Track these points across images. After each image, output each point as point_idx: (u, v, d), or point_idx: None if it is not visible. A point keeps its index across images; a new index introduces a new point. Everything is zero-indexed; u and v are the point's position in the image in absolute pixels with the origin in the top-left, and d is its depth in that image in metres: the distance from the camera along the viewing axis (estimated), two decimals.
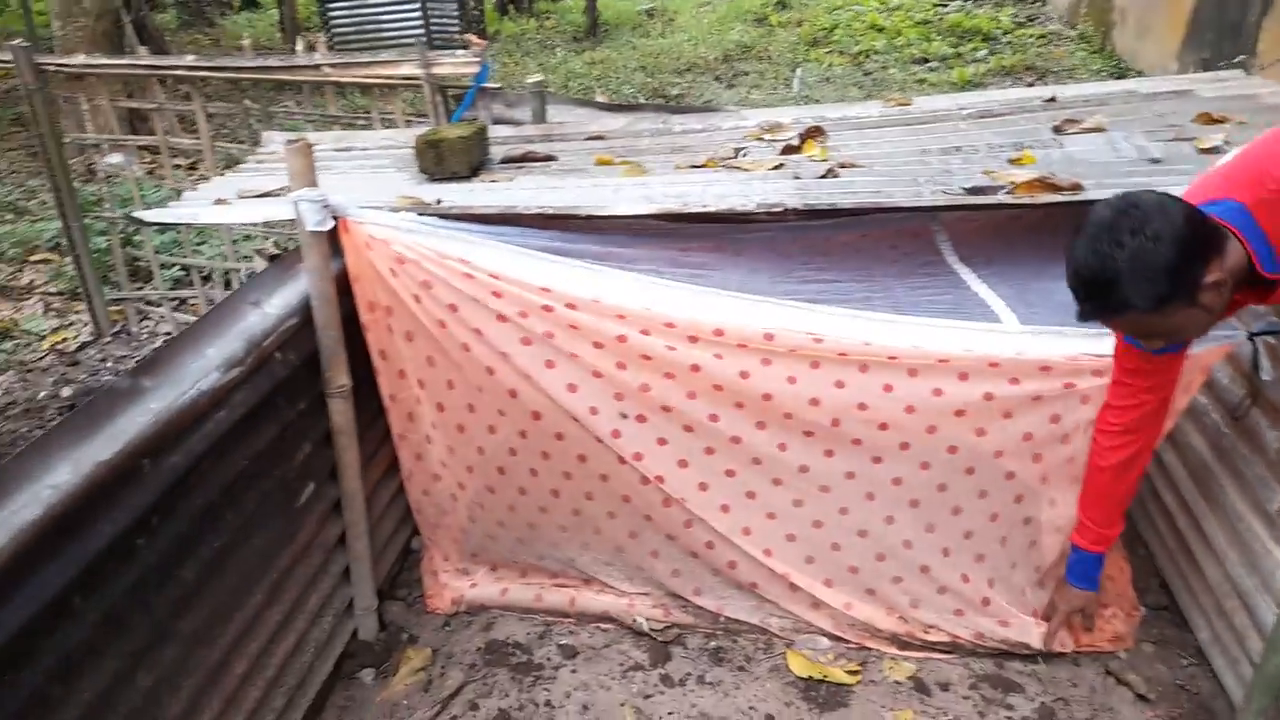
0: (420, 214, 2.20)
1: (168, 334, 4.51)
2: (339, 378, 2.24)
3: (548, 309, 2.15)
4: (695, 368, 2.17)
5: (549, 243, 2.33)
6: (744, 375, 2.17)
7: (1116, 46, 7.66)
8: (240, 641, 1.99)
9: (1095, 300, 1.54)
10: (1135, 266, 1.45)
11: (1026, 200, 2.20)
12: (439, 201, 2.27)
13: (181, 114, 4.32)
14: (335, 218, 2.09)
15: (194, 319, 4.45)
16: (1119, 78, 6.32)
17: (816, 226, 2.71)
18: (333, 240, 2.14)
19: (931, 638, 2.43)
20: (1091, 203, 2.21)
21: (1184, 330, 1.62)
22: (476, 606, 2.63)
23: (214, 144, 4.06)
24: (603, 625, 2.56)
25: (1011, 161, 2.47)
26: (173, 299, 4.56)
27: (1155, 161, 2.43)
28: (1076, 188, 2.21)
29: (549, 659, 2.45)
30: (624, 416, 2.26)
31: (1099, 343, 2.08)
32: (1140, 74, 6.40)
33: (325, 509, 2.35)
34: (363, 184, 2.61)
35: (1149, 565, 2.81)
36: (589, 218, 2.29)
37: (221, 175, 2.81)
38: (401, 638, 2.58)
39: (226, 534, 1.90)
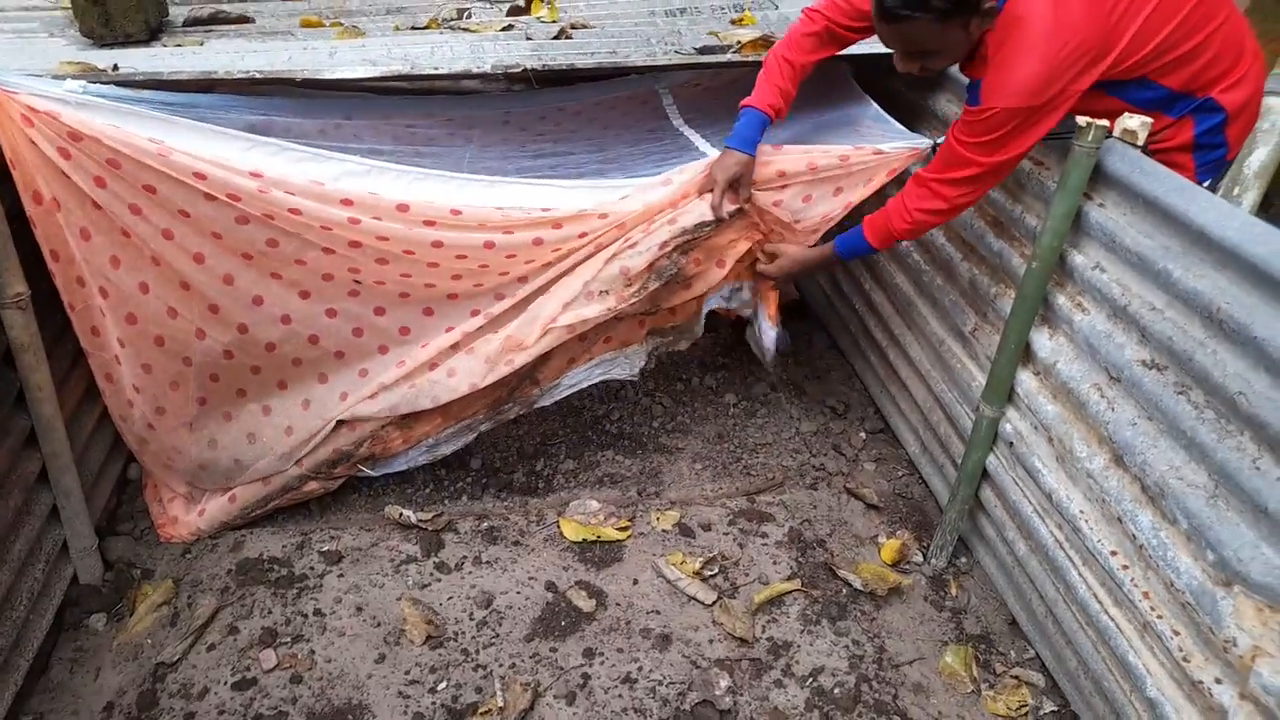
0: (94, 82, 1.85)
1: None
2: (13, 285, 1.88)
3: (263, 192, 1.93)
4: (438, 244, 2.07)
5: (255, 116, 2.08)
6: (488, 246, 2.11)
7: None
8: None
9: (898, 2, 1.75)
10: None
11: (753, 59, 2.26)
12: (115, 67, 1.92)
13: None
14: None
15: None
16: None
17: (547, 96, 2.64)
18: None
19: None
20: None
21: (945, 51, 1.87)
22: (217, 528, 2.40)
23: None
24: (366, 527, 2.44)
25: (733, 22, 2.53)
26: None
27: None
28: None
29: (312, 568, 2.31)
30: (359, 282, 2.14)
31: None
32: None
33: (17, 441, 2.00)
34: (7, 51, 2.15)
35: (865, 397, 3.15)
36: (303, 84, 2.06)
37: None
38: (133, 575, 2.30)
39: None
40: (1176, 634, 1.67)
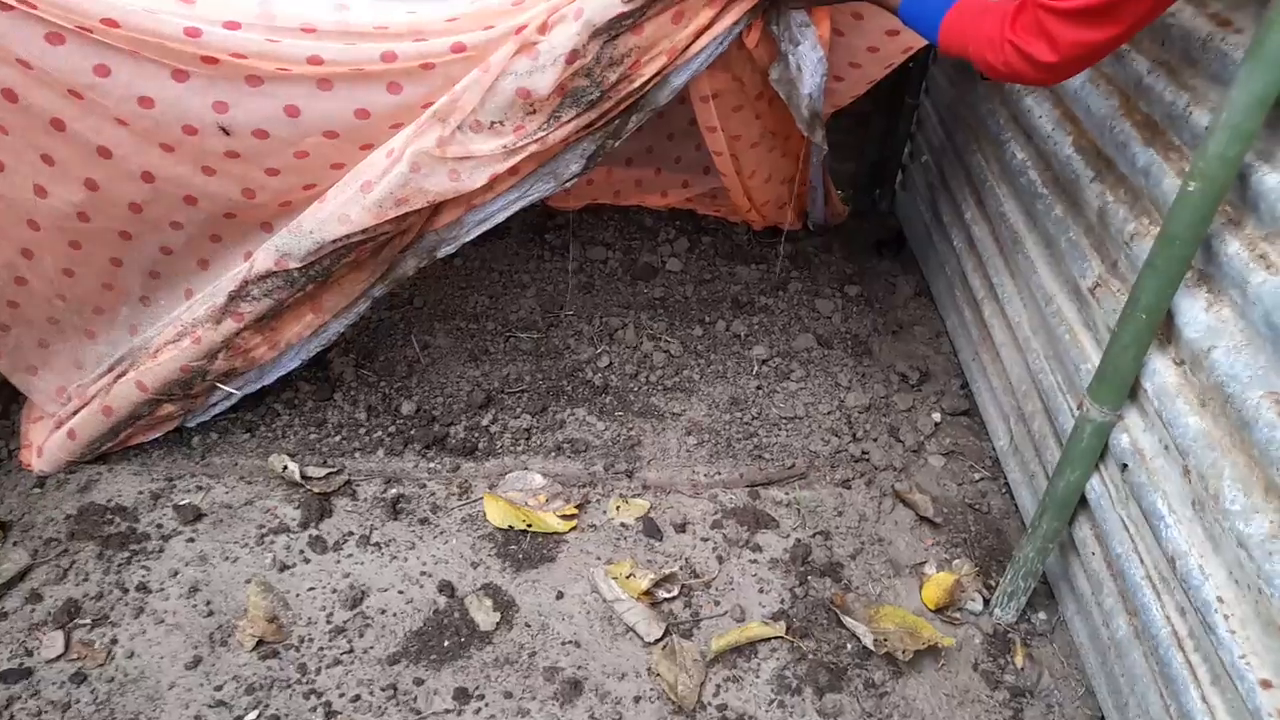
0: None
1: None
2: None
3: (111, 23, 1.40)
4: (316, 60, 1.49)
5: None
6: (388, 58, 1.52)
7: None
8: None
9: None
10: None
11: None
12: None
13: None
14: None
15: None
16: None
17: None
18: None
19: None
20: None
21: None
22: (62, 467, 1.93)
23: None
24: (247, 477, 1.92)
25: None
26: None
27: None
28: None
29: (160, 525, 1.81)
30: (226, 131, 1.58)
31: None
32: None
33: None
34: None
35: (953, 365, 2.35)
36: None
37: None
38: None
39: None
40: None
